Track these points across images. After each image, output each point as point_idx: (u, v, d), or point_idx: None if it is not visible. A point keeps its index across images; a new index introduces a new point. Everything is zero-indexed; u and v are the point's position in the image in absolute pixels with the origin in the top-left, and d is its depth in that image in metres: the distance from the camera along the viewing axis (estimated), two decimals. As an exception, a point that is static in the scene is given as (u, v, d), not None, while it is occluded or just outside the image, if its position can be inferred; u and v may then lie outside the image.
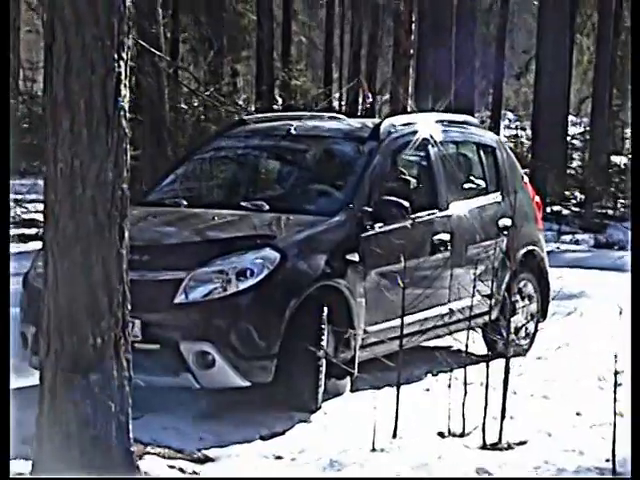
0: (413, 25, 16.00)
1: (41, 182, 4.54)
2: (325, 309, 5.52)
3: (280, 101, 21.29)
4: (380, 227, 5.96)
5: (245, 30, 24.90)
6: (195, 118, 15.40)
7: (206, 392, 5.63)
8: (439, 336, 6.70)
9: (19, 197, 14.22)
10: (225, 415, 5.60)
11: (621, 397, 4.96)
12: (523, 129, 21.66)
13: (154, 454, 4.84)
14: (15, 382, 5.69)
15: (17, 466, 4.53)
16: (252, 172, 7.15)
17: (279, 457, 5.00)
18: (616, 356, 4.79)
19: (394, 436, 5.06)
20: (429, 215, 6.46)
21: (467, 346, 5.54)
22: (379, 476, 4.29)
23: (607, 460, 4.65)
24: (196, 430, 5.31)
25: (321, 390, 5.56)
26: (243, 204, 6.15)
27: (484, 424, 4.98)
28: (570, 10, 18.77)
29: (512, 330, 6.06)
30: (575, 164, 18.72)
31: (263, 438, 5.21)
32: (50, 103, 4.37)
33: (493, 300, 6.02)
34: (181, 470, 4.76)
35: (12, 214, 13.65)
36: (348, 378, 5.82)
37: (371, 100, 19.31)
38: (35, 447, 4.23)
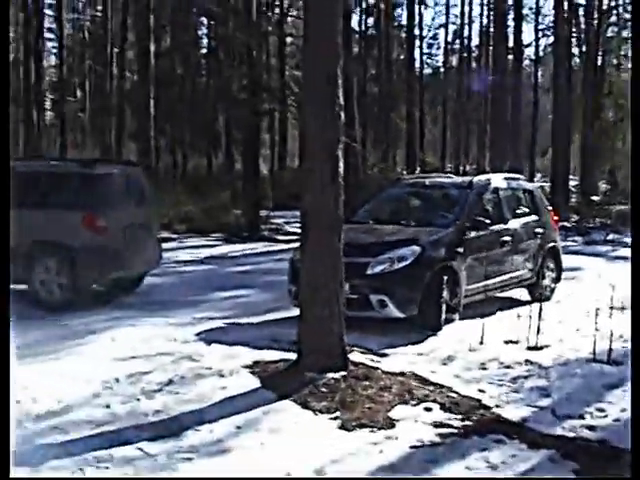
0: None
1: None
2: (444, 277, 9.44)
3: (419, 169, 34.31)
4: (473, 234, 10.11)
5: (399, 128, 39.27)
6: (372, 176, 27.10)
7: (383, 321, 9.19)
8: (504, 290, 10.86)
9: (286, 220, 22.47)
10: (391, 332, 8.99)
11: (600, 320, 8.56)
12: (545, 182, 33.17)
13: (356, 351, 7.73)
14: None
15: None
16: (405, 205, 11.27)
17: (420, 354, 8.01)
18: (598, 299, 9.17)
19: (481, 343, 8.41)
20: (499, 227, 10.66)
21: (519, 296, 10.28)
22: (379, 476, 5.05)
23: (590, 353, 7.78)
24: (378, 340, 8.54)
25: (442, 319, 9.39)
26: (401, 222, 10.30)
27: (528, 336, 8.46)
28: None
29: (542, 287, 10.81)
30: (573, 200, 29.61)
31: (412, 344, 8.53)
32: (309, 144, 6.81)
33: (533, 272, 10.74)
34: (373, 353, 7.86)
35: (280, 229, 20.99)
36: (457, 313, 9.76)
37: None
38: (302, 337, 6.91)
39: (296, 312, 7.19)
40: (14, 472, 4.61)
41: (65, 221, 10.68)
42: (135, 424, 5.87)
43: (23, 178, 10.92)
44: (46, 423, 5.90)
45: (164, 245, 13.33)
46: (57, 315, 10.08)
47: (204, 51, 42.16)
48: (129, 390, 6.69)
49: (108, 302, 11.12)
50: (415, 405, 6.33)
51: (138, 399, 6.47)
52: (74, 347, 8.23)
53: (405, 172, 32.37)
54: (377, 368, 7.26)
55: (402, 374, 7.17)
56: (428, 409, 6.27)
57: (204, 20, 39.96)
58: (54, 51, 50.99)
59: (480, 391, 6.80)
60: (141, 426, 5.83)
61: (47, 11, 44.03)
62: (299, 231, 7.11)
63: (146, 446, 5.38)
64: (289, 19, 37.50)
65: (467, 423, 5.96)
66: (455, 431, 5.79)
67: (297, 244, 7.57)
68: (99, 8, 44.67)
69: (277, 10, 30.22)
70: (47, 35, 47.31)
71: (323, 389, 6.52)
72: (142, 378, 7.00)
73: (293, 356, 7.24)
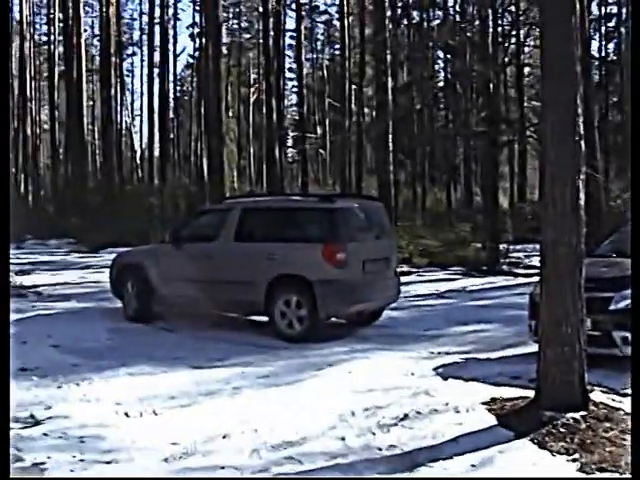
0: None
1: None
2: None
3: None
4: None
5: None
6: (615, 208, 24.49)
7: (625, 358, 7.87)
8: None
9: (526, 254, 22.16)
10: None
11: None
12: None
13: (597, 390, 7.22)
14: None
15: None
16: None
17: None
18: None
19: None
20: None
21: None
22: (379, 476, 5.29)
23: None
24: (620, 379, 7.73)
25: None
26: None
27: None
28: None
29: None
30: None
31: None
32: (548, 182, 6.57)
33: None
34: (615, 393, 7.30)
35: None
36: None
37: None
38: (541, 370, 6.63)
39: (536, 348, 7.07)
40: (14, 472, 4.65)
41: (305, 255, 10.96)
42: (369, 458, 5.91)
43: (267, 213, 11.59)
44: (282, 453, 6.03)
45: (403, 279, 13.41)
46: (296, 346, 10.35)
47: (441, 84, 42.38)
48: (365, 423, 6.73)
49: (346, 335, 11.28)
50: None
51: (373, 433, 6.50)
52: (312, 378, 8.40)
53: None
54: (619, 409, 6.97)
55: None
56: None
57: (440, 54, 40.19)
58: (294, 90, 53.46)
59: None
60: (374, 460, 5.86)
61: (287, 52, 46.38)
62: (539, 265, 6.97)
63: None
64: (526, 49, 36.95)
65: None
66: None
67: (537, 278, 7.42)
68: (337, 47, 46.30)
69: (513, 40, 30.03)
70: (288, 75, 49.87)
71: (562, 429, 6.31)
72: (378, 412, 7.02)
73: (532, 394, 7.05)
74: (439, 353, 9.97)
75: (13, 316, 10.26)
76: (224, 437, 6.29)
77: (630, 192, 6.60)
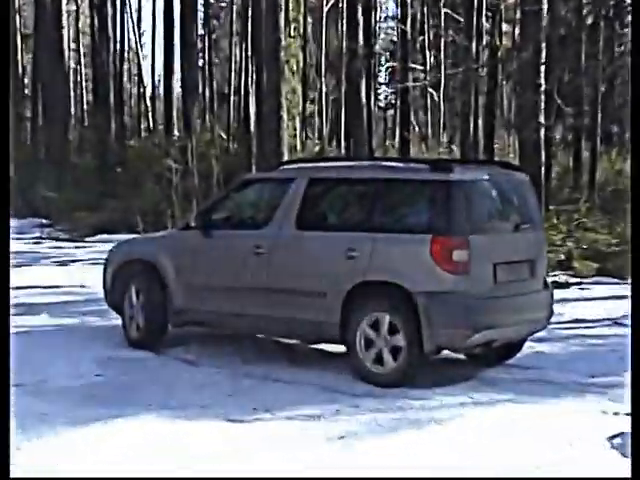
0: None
1: None
2: None
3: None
4: None
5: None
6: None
7: None
8: None
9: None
10: None
11: None
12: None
13: None
14: None
15: None
16: None
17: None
18: None
19: None
20: None
21: None
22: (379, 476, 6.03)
23: None
24: None
25: None
26: None
27: None
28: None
29: None
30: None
31: None
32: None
33: None
34: None
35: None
36: None
37: None
38: None
39: None
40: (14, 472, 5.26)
41: (404, 252, 10.91)
42: None
43: (346, 188, 11.94)
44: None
45: (557, 293, 13.29)
46: (388, 393, 10.37)
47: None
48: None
49: (465, 378, 11.33)
50: None
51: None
52: (409, 444, 8.54)
53: None
54: None
55: None
56: None
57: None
58: None
59: None
60: None
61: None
62: None
63: None
64: None
65: None
66: None
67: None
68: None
69: None
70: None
71: None
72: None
73: None
74: (615, 413, 9.85)
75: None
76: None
77: (630, 190, 6.93)
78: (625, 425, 9.07)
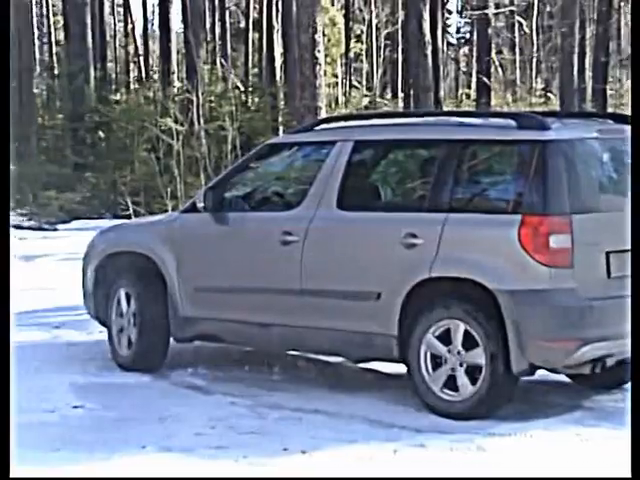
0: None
1: None
2: None
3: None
4: None
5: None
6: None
7: None
8: None
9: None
10: None
11: None
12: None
13: None
14: None
15: None
16: None
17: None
18: None
19: None
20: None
21: None
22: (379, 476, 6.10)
23: None
24: None
25: None
26: None
27: None
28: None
29: None
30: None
31: None
32: None
33: None
34: None
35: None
36: None
37: None
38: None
39: None
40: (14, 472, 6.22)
41: (483, 238, 10.62)
42: None
43: (405, 153, 11.97)
44: None
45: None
46: (462, 427, 10.15)
47: None
48: None
49: (564, 404, 11.21)
50: None
51: None
52: None
53: None
54: None
55: None
56: None
57: None
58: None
59: None
60: None
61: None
62: None
63: None
64: None
65: None
66: None
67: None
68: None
69: None
70: None
71: None
72: None
73: None
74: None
75: None
76: None
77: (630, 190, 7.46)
78: None
